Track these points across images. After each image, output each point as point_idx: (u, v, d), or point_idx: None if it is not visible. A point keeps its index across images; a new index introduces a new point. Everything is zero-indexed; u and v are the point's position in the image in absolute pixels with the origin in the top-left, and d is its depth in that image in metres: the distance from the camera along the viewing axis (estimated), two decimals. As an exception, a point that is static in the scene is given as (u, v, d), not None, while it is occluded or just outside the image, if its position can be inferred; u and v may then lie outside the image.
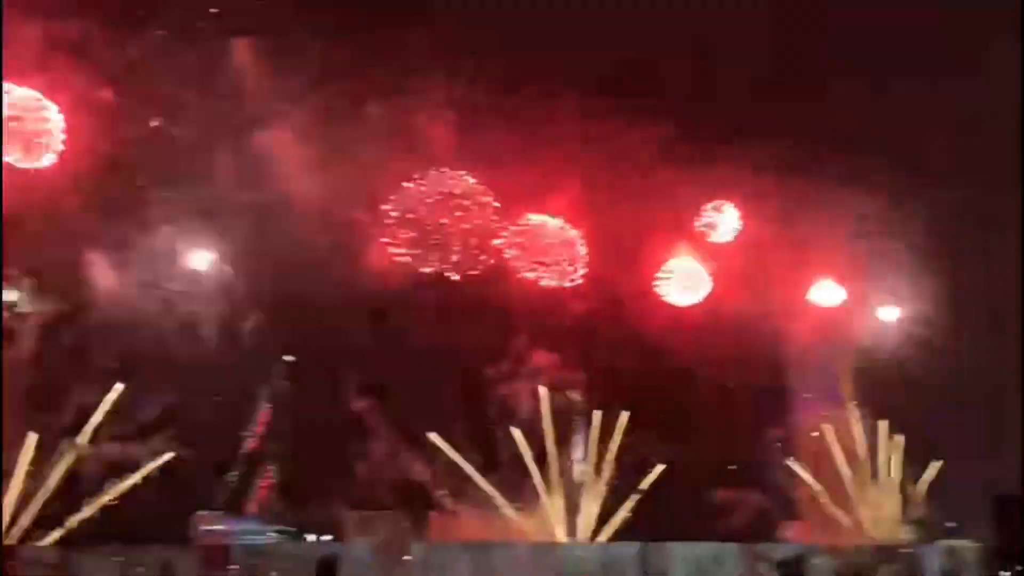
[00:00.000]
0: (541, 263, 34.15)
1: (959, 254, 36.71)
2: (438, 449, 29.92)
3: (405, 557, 22.59)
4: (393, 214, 32.66)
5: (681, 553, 25.71)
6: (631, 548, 25.37)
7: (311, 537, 31.95)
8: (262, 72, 30.99)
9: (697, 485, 32.53)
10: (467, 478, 30.74)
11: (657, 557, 25.11)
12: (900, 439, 35.03)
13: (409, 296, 33.08)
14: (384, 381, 32.60)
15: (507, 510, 30.02)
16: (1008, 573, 32.25)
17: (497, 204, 33.76)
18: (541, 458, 32.51)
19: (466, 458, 30.48)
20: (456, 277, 33.01)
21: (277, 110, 30.58)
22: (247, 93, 30.57)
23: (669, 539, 26.25)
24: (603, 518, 31.60)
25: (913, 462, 35.60)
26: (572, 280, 34.42)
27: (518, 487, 32.47)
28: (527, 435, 32.15)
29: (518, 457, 32.06)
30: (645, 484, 29.58)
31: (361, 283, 31.17)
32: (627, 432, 31.51)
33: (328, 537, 30.92)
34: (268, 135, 30.43)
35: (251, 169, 29.76)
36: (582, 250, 34.11)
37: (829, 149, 33.82)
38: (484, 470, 31.32)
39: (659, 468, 30.78)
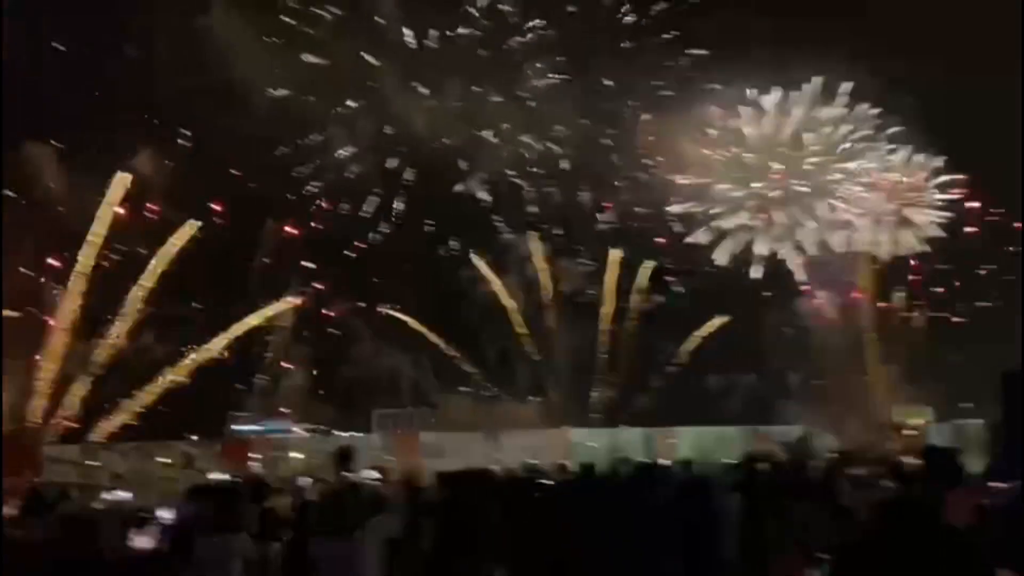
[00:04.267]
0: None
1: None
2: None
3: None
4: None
5: (685, 436, 26.80)
6: (636, 432, 26.43)
7: (341, 434, 34.08)
8: None
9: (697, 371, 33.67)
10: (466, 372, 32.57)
11: (662, 440, 26.11)
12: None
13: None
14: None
15: (512, 399, 31.89)
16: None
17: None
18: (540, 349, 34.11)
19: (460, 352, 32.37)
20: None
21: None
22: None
23: (672, 424, 27.44)
24: (607, 408, 33.16)
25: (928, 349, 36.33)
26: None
27: (513, 377, 34.23)
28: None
29: (508, 349, 33.70)
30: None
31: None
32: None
33: (359, 434, 32.97)
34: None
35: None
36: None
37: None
38: (479, 362, 33.18)
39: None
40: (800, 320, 36.94)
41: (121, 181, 29.47)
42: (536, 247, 36.53)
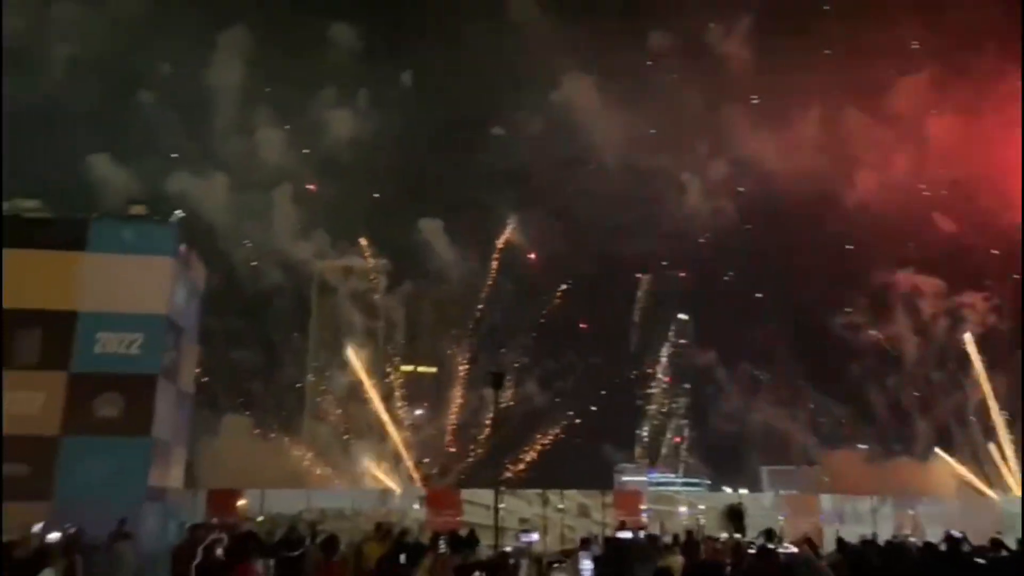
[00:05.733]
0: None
1: None
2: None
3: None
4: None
5: None
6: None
7: (727, 490, 33.32)
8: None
9: None
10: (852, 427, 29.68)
11: None
12: None
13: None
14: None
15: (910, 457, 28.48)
16: None
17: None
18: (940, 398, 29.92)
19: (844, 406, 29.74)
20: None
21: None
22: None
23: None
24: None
25: None
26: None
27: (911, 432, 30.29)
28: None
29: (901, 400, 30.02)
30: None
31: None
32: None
33: (744, 491, 31.85)
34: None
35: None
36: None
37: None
38: (868, 417, 30.10)
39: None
40: None
41: (509, 229, 33.19)
42: (921, 284, 32.12)
